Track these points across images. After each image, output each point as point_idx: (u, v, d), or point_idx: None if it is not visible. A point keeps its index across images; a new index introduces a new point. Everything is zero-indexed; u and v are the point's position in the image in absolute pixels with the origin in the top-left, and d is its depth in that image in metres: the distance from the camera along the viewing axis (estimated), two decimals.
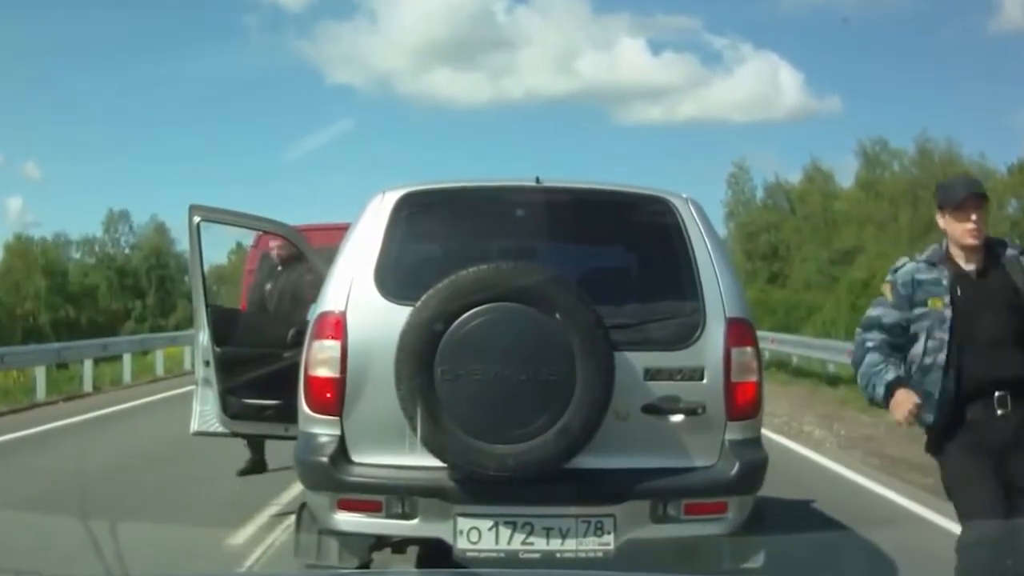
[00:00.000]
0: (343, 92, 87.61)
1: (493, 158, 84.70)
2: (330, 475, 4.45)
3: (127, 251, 67.19)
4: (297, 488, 7.42)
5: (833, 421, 13.55)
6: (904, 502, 8.35)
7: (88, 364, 18.95)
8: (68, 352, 19.40)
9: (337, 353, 4.49)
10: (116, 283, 63.52)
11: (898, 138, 64.63)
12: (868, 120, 77.53)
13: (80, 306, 59.83)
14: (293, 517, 6.47)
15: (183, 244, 72.45)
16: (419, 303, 4.34)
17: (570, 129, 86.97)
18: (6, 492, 8.59)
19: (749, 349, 4.59)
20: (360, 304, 4.56)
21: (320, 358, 4.53)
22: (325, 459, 4.45)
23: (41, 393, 16.87)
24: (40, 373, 17.18)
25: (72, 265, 65.03)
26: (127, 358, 21.33)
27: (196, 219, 6.54)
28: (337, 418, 4.50)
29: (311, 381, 4.55)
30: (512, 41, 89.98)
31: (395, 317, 4.39)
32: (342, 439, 4.50)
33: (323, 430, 4.52)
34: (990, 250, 4.71)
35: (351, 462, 4.48)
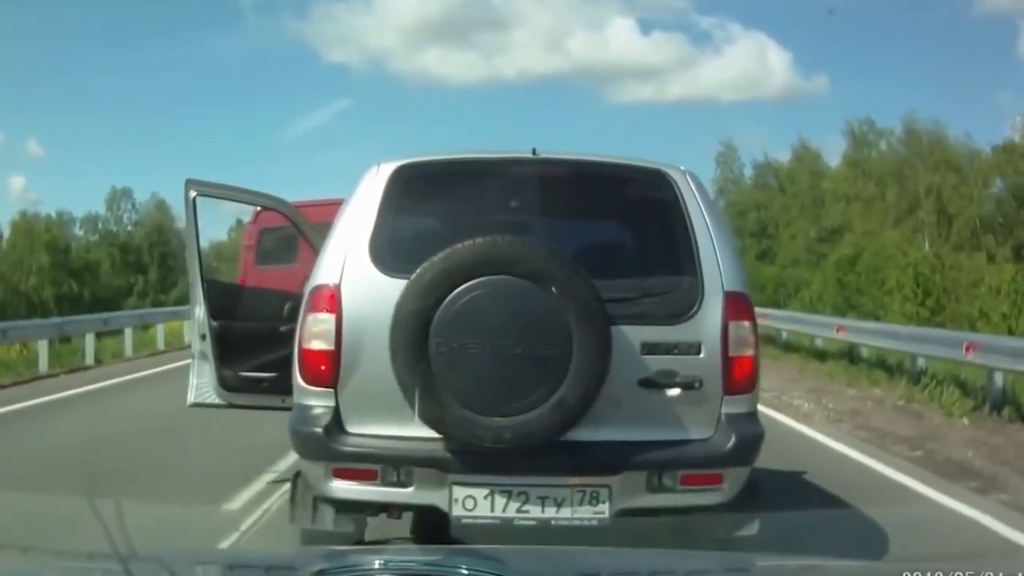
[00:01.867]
0: (338, 71, 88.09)
1: (486, 136, 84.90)
2: (324, 445, 4.47)
3: (129, 228, 67.56)
4: (292, 457, 7.78)
5: (821, 395, 13.74)
6: (892, 473, 8.57)
7: (90, 338, 19.12)
8: (69, 326, 19.60)
9: (331, 326, 4.49)
10: (119, 259, 63.95)
11: (886, 117, 64.72)
12: (856, 99, 77.95)
13: (83, 282, 60.08)
14: (289, 484, 6.81)
15: (184, 221, 72.99)
16: (414, 276, 4.31)
17: (562, 108, 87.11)
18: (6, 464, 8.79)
19: (747, 323, 4.58)
20: (355, 277, 4.54)
21: (314, 331, 4.52)
22: (319, 430, 4.47)
23: (43, 366, 17.07)
24: (42, 346, 17.37)
25: (75, 242, 65.18)
26: (128, 332, 21.48)
27: (192, 194, 6.56)
28: (331, 390, 4.51)
29: (305, 354, 4.55)
30: (504, 20, 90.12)
31: (390, 290, 4.37)
32: (337, 410, 4.51)
33: (317, 402, 4.54)
34: None
35: (346, 432, 4.50)
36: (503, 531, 4.55)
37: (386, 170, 4.76)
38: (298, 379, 4.62)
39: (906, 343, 15.02)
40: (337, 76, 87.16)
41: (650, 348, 4.50)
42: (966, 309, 38.00)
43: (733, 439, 4.49)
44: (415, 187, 4.83)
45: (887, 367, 15.79)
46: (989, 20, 68.66)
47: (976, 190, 49.12)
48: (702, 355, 4.51)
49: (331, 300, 4.51)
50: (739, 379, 4.55)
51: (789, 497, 7.29)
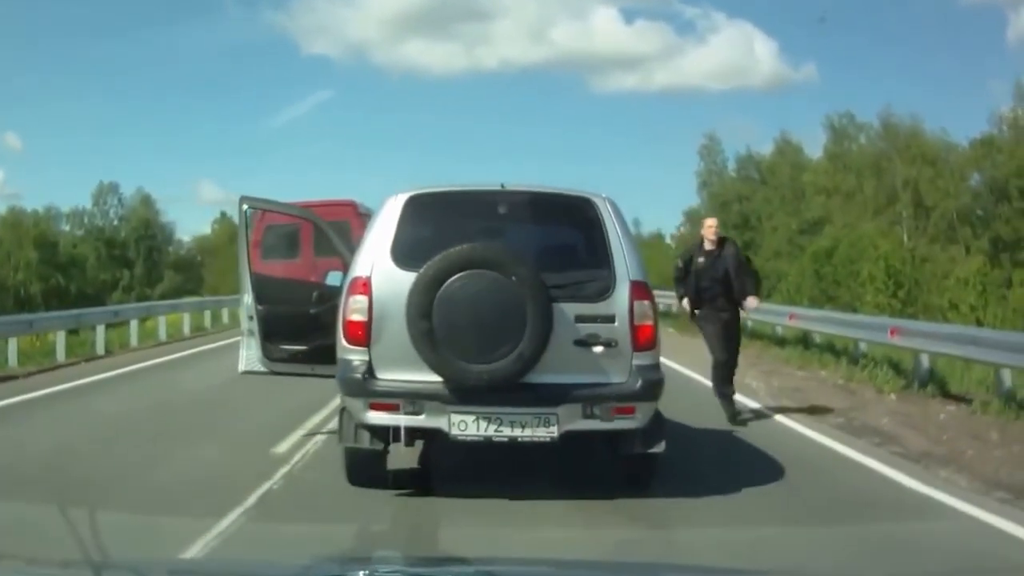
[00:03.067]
0: (319, 63, 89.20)
1: (469, 128, 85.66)
2: (363, 386, 6.40)
3: (115, 223, 68.51)
4: (316, 418, 9.80)
5: (772, 376, 15.12)
6: (808, 432, 10.03)
7: (101, 329, 20.13)
8: (85, 318, 20.61)
9: (365, 304, 6.43)
10: (104, 254, 64.90)
11: (874, 107, 65.88)
12: (845, 89, 78.95)
13: (70, 276, 60.80)
14: (319, 436, 8.83)
15: (169, 215, 73.64)
16: (421, 270, 6.28)
17: (545, 98, 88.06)
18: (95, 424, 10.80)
19: (647, 302, 6.56)
20: (380, 271, 6.49)
21: (354, 308, 6.45)
22: (359, 375, 6.40)
23: (61, 355, 18.04)
24: (60, 337, 18.32)
25: (62, 236, 65.80)
26: (134, 324, 22.41)
27: (244, 207, 8.46)
28: (366, 348, 6.43)
29: (348, 324, 6.48)
30: (486, 10, 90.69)
31: (405, 279, 6.34)
32: (370, 362, 6.42)
33: (357, 357, 6.45)
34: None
35: (377, 378, 6.40)
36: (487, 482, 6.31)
37: (402, 197, 6.76)
38: (342, 341, 6.53)
39: (845, 329, 16.53)
40: (318, 68, 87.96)
41: (580, 319, 6.45)
42: (937, 300, 39.46)
43: (641, 382, 6.44)
44: (422, 209, 6.79)
45: (836, 351, 17.04)
46: (975, 12, 69.86)
47: (953, 183, 50.29)
48: (616, 324, 6.47)
49: (364, 287, 6.46)
50: (643, 341, 6.52)
51: (714, 446, 9.22)
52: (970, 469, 8.20)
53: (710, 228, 10.96)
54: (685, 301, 10.68)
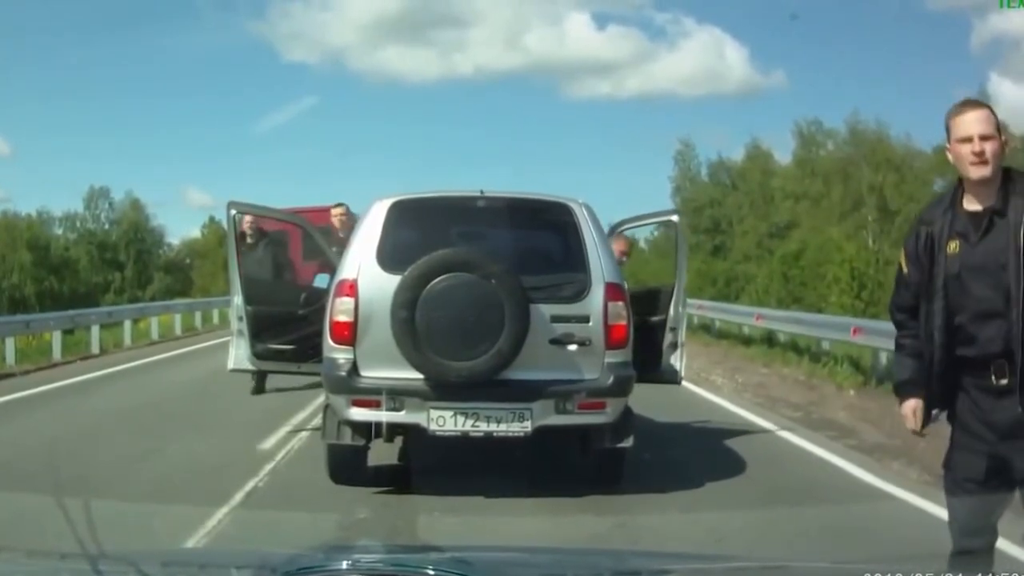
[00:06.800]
0: (298, 70, 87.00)
1: (446, 133, 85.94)
2: (346, 383, 6.70)
3: (106, 226, 68.57)
4: (301, 415, 10.18)
5: (736, 373, 15.75)
6: (768, 425, 10.62)
7: (96, 329, 20.42)
8: (80, 318, 20.93)
9: (351, 305, 6.72)
10: (96, 256, 65.03)
11: (840, 114, 66.57)
12: (815, 94, 79.18)
13: (62, 278, 61.03)
14: (303, 433, 9.17)
15: (158, 219, 73.54)
16: (405, 273, 6.57)
17: (521, 104, 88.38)
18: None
19: (620, 303, 6.87)
20: (366, 273, 6.78)
21: (340, 308, 6.75)
22: (343, 373, 6.70)
23: (57, 354, 18.31)
24: (56, 337, 18.67)
25: (54, 240, 66.00)
26: (128, 324, 22.82)
27: (233, 212, 8.69)
28: (351, 347, 6.73)
29: (334, 324, 6.78)
30: (462, 17, 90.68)
31: (389, 282, 6.64)
32: (354, 361, 6.72)
33: (342, 355, 6.75)
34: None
35: (360, 375, 6.71)
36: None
37: (387, 203, 7.06)
38: (328, 340, 6.83)
39: (810, 328, 17.19)
40: (298, 75, 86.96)
41: (556, 319, 6.78)
42: None
43: (612, 378, 6.79)
44: (405, 215, 7.09)
45: (799, 350, 17.66)
46: (941, 20, 70.74)
47: (916, 188, 51.11)
48: (591, 323, 6.79)
49: (351, 288, 6.76)
50: (616, 340, 6.85)
51: (684, 437, 9.79)
52: (921, 461, 8.44)
53: (967, 145, 3.70)
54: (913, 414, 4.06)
